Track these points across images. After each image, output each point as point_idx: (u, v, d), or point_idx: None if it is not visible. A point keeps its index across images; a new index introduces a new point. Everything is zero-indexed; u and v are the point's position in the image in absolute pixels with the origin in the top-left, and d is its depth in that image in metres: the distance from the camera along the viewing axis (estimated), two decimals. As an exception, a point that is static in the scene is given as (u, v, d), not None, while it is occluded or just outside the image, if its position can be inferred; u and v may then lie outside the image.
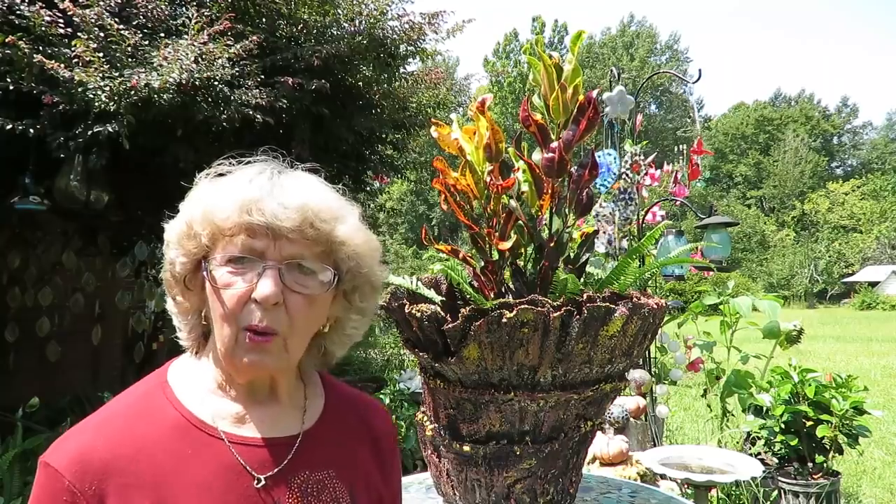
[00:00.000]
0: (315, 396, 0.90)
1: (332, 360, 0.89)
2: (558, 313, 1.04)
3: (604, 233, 3.50)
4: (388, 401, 4.41)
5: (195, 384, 0.81)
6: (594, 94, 1.16)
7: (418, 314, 1.10)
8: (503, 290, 1.23)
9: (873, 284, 35.34)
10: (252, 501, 0.75)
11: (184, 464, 0.74)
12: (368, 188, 5.08)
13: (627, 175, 3.62)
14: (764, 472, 2.94)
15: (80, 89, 2.49)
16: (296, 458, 0.81)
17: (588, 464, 2.76)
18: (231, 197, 0.74)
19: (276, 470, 0.79)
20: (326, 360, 0.89)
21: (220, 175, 0.81)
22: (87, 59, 2.53)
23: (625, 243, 3.39)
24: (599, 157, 3.63)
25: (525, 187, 1.23)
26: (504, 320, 1.02)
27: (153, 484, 0.71)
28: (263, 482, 0.77)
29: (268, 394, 0.83)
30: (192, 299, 0.80)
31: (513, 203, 1.20)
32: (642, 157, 3.65)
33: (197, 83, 2.69)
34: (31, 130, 2.56)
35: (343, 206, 0.82)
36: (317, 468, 0.82)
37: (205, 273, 0.75)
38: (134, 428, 0.74)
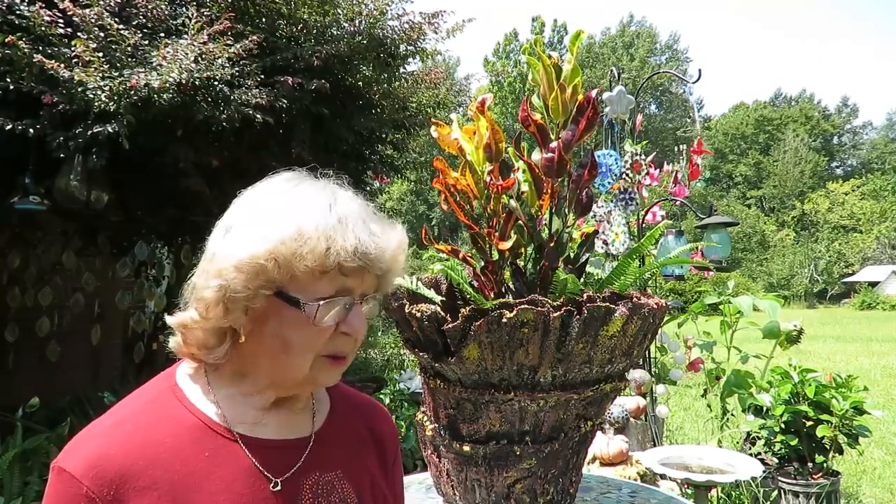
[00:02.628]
0: (321, 398, 0.91)
1: None
2: (558, 313, 1.04)
3: (603, 232, 3.51)
4: (388, 401, 4.41)
5: (209, 388, 0.80)
6: (593, 93, 1.16)
7: (418, 314, 1.10)
8: (503, 290, 1.23)
9: (873, 284, 35.35)
10: (269, 503, 0.77)
11: (201, 467, 0.74)
12: (368, 188, 5.08)
13: (628, 175, 3.62)
14: (764, 472, 2.94)
15: (79, 89, 2.49)
16: (308, 459, 0.82)
17: (588, 464, 2.76)
18: (338, 238, 0.73)
19: (290, 472, 0.80)
20: None
21: (294, 199, 0.77)
22: (87, 59, 2.53)
23: (621, 244, 3.38)
24: (600, 157, 3.63)
25: (525, 187, 1.23)
26: (504, 320, 1.02)
27: (170, 487, 0.71)
28: (280, 486, 0.78)
29: (283, 399, 0.84)
30: (240, 321, 0.76)
31: (513, 203, 1.20)
32: (643, 157, 3.65)
33: (197, 83, 2.69)
34: (31, 130, 2.56)
35: (405, 235, 0.84)
36: (326, 469, 0.84)
37: (297, 307, 0.73)
38: (149, 431, 0.74)
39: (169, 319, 0.80)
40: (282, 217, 0.73)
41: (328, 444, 0.86)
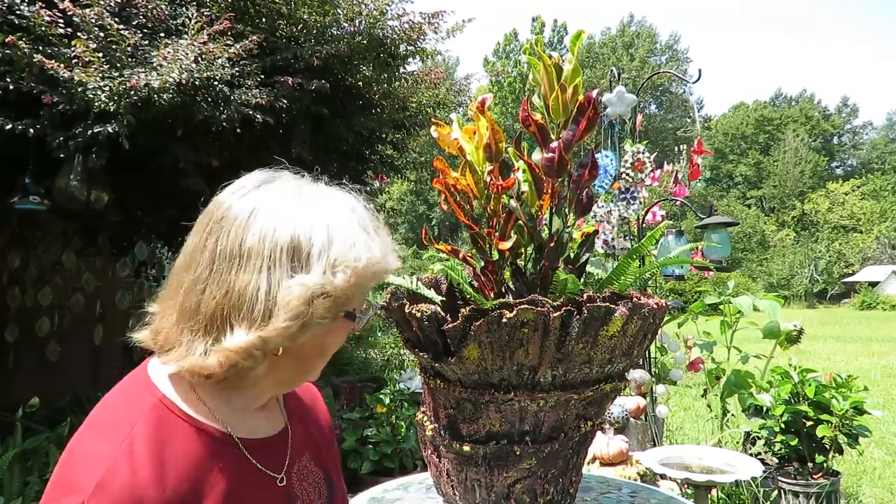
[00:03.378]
0: None
1: None
2: (558, 313, 1.04)
3: (603, 232, 3.51)
4: (388, 401, 4.41)
5: (196, 397, 0.77)
6: (594, 94, 1.16)
7: (418, 314, 1.10)
8: (503, 290, 1.23)
9: (873, 284, 35.36)
10: (277, 499, 0.80)
11: (213, 476, 0.74)
12: (368, 188, 5.08)
13: (629, 174, 3.62)
14: (764, 472, 2.94)
15: (79, 89, 2.49)
16: (291, 450, 0.86)
17: (588, 464, 2.76)
18: (381, 261, 0.77)
19: (285, 465, 0.83)
20: None
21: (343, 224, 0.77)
22: (87, 59, 2.53)
23: (622, 242, 3.38)
24: (599, 157, 3.63)
25: (525, 187, 1.23)
26: (504, 320, 1.02)
27: (192, 501, 0.71)
28: (284, 480, 0.82)
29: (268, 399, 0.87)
30: (300, 342, 0.75)
31: (513, 203, 1.20)
32: (646, 155, 3.65)
33: (197, 83, 2.69)
34: (31, 130, 2.56)
35: None
36: (300, 455, 0.88)
37: (357, 322, 0.80)
38: (162, 455, 0.70)
39: (206, 344, 0.72)
40: (356, 239, 0.75)
41: (296, 431, 0.90)
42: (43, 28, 2.55)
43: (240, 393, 0.79)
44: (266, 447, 0.81)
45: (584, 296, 1.12)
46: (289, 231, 0.72)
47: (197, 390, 0.76)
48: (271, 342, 0.71)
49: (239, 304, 0.71)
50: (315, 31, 3.45)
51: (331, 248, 0.73)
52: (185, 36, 2.82)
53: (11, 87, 2.50)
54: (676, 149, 4.00)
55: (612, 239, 3.38)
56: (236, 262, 0.71)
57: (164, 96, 2.57)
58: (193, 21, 2.86)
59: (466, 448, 1.18)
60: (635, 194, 3.59)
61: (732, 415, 4.08)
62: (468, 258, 1.23)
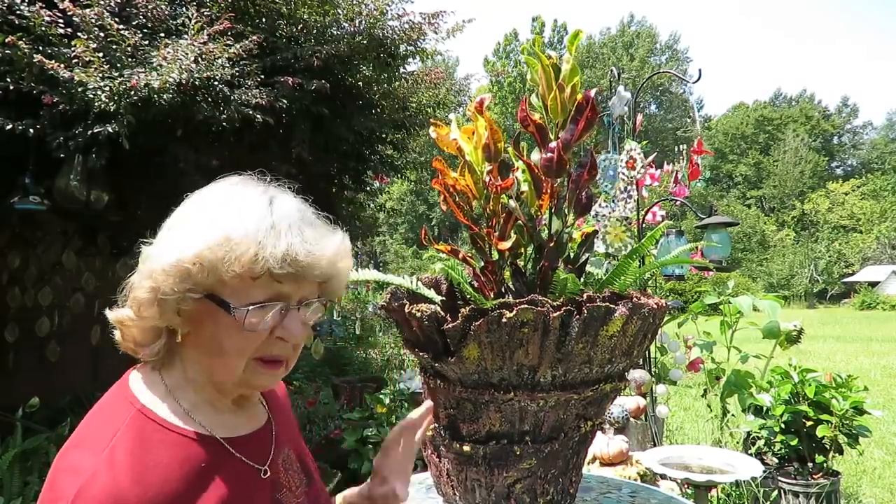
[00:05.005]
0: None
1: None
2: (558, 313, 1.04)
3: (603, 232, 3.51)
4: (388, 401, 4.41)
5: (175, 403, 0.79)
6: (592, 93, 1.16)
7: (418, 314, 1.10)
8: (503, 290, 1.23)
9: (873, 284, 35.35)
10: (265, 492, 0.81)
11: (201, 479, 0.75)
12: (368, 188, 5.08)
13: (624, 173, 3.62)
14: (764, 472, 2.94)
15: (80, 89, 2.49)
16: (276, 442, 0.88)
17: (588, 464, 2.76)
18: (267, 244, 0.73)
19: (269, 458, 0.85)
20: None
21: (222, 202, 0.78)
22: (87, 59, 2.53)
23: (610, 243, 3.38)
24: (606, 160, 3.64)
25: (524, 187, 1.23)
26: (504, 320, 1.02)
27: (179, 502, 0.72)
28: (268, 472, 0.83)
29: (246, 396, 0.88)
30: (174, 321, 0.77)
31: (512, 203, 1.20)
32: (637, 152, 3.65)
33: (197, 83, 2.69)
34: (31, 130, 2.56)
35: (345, 239, 0.84)
36: (282, 446, 0.89)
37: (227, 311, 0.74)
38: (142, 458, 0.71)
39: (108, 314, 0.81)
40: (210, 221, 0.74)
41: (277, 422, 0.91)
42: (43, 28, 2.55)
43: (196, 391, 0.80)
44: (249, 442, 0.83)
45: (584, 296, 1.12)
46: (172, 215, 0.80)
47: (174, 394, 0.79)
48: (137, 311, 0.77)
49: (131, 279, 0.79)
50: (315, 31, 3.45)
51: (185, 225, 0.76)
52: (185, 36, 2.81)
53: (11, 87, 2.50)
54: (676, 149, 4.00)
55: (610, 241, 3.38)
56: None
57: (164, 96, 2.57)
58: (193, 21, 2.86)
59: (466, 448, 1.18)
60: (631, 193, 3.59)
61: (732, 415, 4.08)
62: (468, 258, 1.23)
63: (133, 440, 0.73)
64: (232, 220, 0.74)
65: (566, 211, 1.22)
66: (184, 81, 2.60)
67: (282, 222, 0.75)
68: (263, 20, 3.36)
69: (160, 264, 0.74)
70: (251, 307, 0.74)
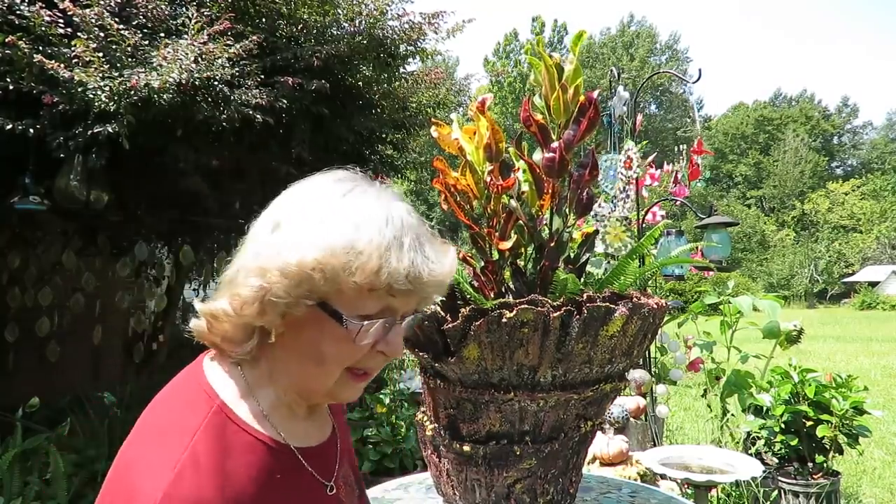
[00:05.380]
0: None
1: None
2: (558, 313, 1.04)
3: (603, 232, 3.50)
4: (388, 401, 4.41)
5: (255, 403, 0.75)
6: (594, 94, 1.16)
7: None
8: (503, 290, 1.23)
9: (873, 284, 35.36)
10: None
11: (275, 490, 0.72)
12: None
13: (623, 173, 3.62)
14: (764, 472, 2.94)
15: (80, 89, 2.48)
16: (338, 456, 0.85)
17: (588, 464, 2.76)
18: (391, 259, 0.69)
19: (335, 473, 0.82)
20: None
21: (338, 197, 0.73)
22: (87, 59, 2.53)
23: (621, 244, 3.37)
24: (608, 160, 3.65)
25: (525, 187, 1.23)
26: (504, 320, 1.02)
27: None
28: (333, 488, 0.80)
29: (318, 406, 0.85)
30: (274, 323, 0.72)
31: (513, 203, 1.20)
32: (634, 152, 3.65)
33: (197, 83, 2.68)
34: (31, 130, 2.56)
35: (456, 257, 0.82)
36: (343, 460, 0.86)
37: (338, 321, 0.70)
38: (224, 468, 0.68)
39: (198, 305, 0.76)
40: (336, 225, 0.69)
41: (340, 435, 0.88)
42: (43, 28, 2.55)
43: (277, 393, 0.77)
44: (318, 455, 0.80)
45: (584, 296, 1.12)
46: (283, 208, 0.74)
47: (254, 393, 0.75)
48: (238, 310, 0.71)
49: (230, 271, 0.74)
50: (315, 31, 3.45)
51: (305, 225, 0.70)
52: (185, 36, 2.81)
53: (11, 87, 2.50)
54: (676, 149, 4.00)
55: (610, 242, 3.37)
56: (248, 236, 0.75)
57: (164, 96, 2.57)
58: (193, 21, 2.86)
59: (466, 448, 1.18)
60: (629, 192, 3.59)
61: (732, 415, 4.08)
62: (468, 258, 1.23)
63: (214, 440, 0.69)
64: (358, 226, 0.69)
65: (567, 211, 1.22)
66: (184, 81, 2.59)
67: (404, 236, 0.71)
68: (263, 20, 3.36)
69: (276, 264, 0.68)
70: (365, 322, 0.70)
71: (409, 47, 3.85)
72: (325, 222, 0.69)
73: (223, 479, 0.67)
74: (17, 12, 2.52)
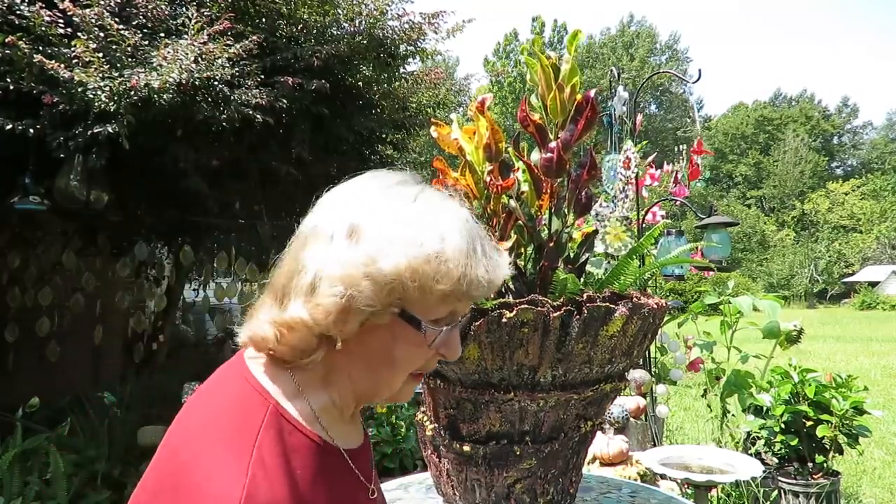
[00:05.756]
0: None
1: None
2: (558, 313, 1.04)
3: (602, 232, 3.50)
4: (388, 401, 4.40)
5: (305, 404, 0.74)
6: (592, 93, 1.16)
7: (418, 314, 1.10)
8: (503, 290, 1.23)
9: (873, 284, 35.36)
10: None
11: (331, 489, 0.73)
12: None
13: (621, 173, 3.62)
14: (764, 472, 2.94)
15: (80, 89, 2.49)
16: (373, 458, 0.86)
17: (588, 464, 2.76)
18: (470, 265, 0.69)
19: (372, 475, 0.82)
20: None
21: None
22: (87, 59, 2.53)
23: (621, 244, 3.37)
24: (610, 160, 3.65)
25: (525, 187, 1.23)
26: (504, 320, 1.02)
27: None
28: (375, 492, 0.81)
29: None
30: (351, 331, 0.71)
31: (512, 203, 1.20)
32: (633, 152, 3.65)
33: (197, 83, 2.69)
34: (31, 130, 2.56)
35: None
36: (373, 464, 0.87)
37: (424, 332, 0.71)
38: (286, 469, 0.68)
39: (266, 314, 0.73)
40: (423, 232, 0.68)
41: (369, 440, 0.88)
42: (43, 28, 2.55)
43: (330, 396, 0.76)
44: (359, 458, 0.80)
45: (584, 296, 1.12)
46: (356, 211, 0.71)
47: (305, 394, 0.74)
48: (318, 320, 0.68)
49: (297, 275, 0.70)
50: (315, 31, 3.45)
51: (392, 232, 0.69)
52: (185, 36, 2.82)
53: (11, 87, 2.50)
54: (676, 149, 4.00)
55: (610, 242, 3.37)
56: (307, 240, 0.72)
57: (164, 96, 2.57)
58: (193, 21, 2.86)
59: (466, 448, 1.18)
60: (628, 192, 3.60)
61: (732, 415, 4.08)
62: (468, 258, 1.23)
63: (275, 441, 0.68)
64: (442, 234, 0.69)
65: (566, 211, 1.22)
66: (184, 81, 2.60)
67: (476, 242, 0.72)
68: (263, 20, 3.36)
69: (366, 272, 0.67)
70: (444, 327, 0.72)
71: (409, 47, 3.85)
72: (410, 229, 0.69)
73: (290, 479, 0.66)
74: (17, 12, 2.53)
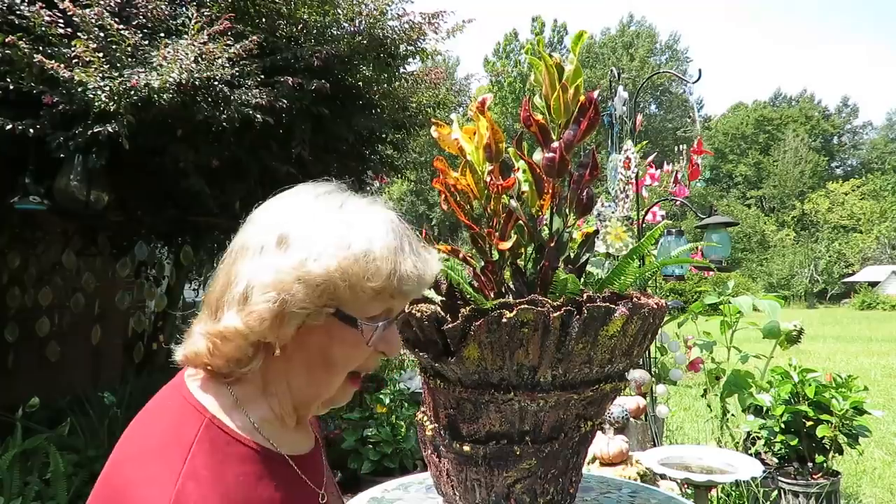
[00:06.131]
0: None
1: None
2: (558, 313, 1.04)
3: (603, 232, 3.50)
4: (388, 401, 4.41)
5: (243, 415, 0.75)
6: (595, 94, 1.16)
7: (418, 314, 1.10)
8: (503, 290, 1.23)
9: (873, 284, 35.39)
10: None
11: (270, 495, 0.73)
12: (368, 188, 5.09)
13: (622, 173, 3.62)
14: (764, 472, 2.94)
15: (80, 89, 2.49)
16: (325, 463, 0.87)
17: (588, 464, 2.76)
18: (399, 262, 0.72)
19: (324, 480, 0.83)
20: None
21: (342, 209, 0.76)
22: (87, 59, 2.53)
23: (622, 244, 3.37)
24: (612, 161, 3.65)
25: (525, 187, 1.23)
26: (504, 320, 1.02)
27: None
28: (325, 497, 0.81)
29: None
30: (285, 336, 0.72)
31: (513, 203, 1.20)
32: (633, 152, 3.65)
33: (197, 83, 2.69)
34: (31, 130, 2.56)
35: None
36: (326, 468, 0.88)
37: (361, 329, 0.73)
38: (220, 479, 0.68)
39: (201, 328, 0.75)
40: (352, 232, 0.71)
41: (320, 446, 0.90)
42: (43, 28, 2.55)
43: (269, 405, 0.77)
44: (308, 464, 0.81)
45: (584, 296, 1.12)
46: (284, 221, 0.73)
47: (244, 407, 0.75)
48: (253, 327, 0.70)
49: (230, 288, 0.72)
50: (315, 31, 3.45)
51: (319, 236, 0.71)
52: (185, 36, 2.81)
53: (11, 87, 2.50)
54: (676, 149, 4.00)
55: (610, 242, 3.37)
56: (237, 255, 0.74)
57: (164, 96, 2.57)
58: (193, 21, 2.86)
59: (466, 448, 1.18)
60: (628, 192, 3.60)
61: (732, 415, 4.08)
62: (468, 258, 1.23)
63: (210, 453, 0.69)
64: (371, 232, 0.72)
65: (567, 211, 1.22)
66: (184, 81, 2.60)
67: (403, 241, 0.75)
68: (263, 20, 3.36)
69: (297, 276, 0.69)
70: (378, 323, 0.74)
71: (409, 47, 3.85)
72: (338, 232, 0.71)
73: (224, 489, 0.67)
74: (17, 12, 2.52)
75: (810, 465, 3.42)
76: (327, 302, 0.71)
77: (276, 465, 0.75)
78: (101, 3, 2.68)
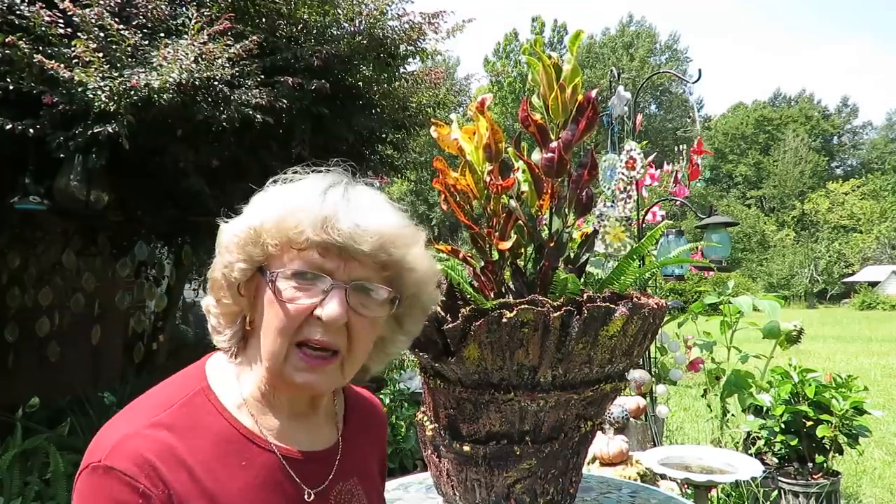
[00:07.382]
0: (340, 403, 0.93)
1: (368, 375, 0.90)
2: (558, 313, 1.03)
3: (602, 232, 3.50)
4: (388, 401, 4.41)
5: (237, 391, 0.78)
6: (593, 93, 1.16)
7: (418, 314, 1.10)
8: (503, 290, 1.23)
9: (873, 284, 35.38)
10: None
11: (237, 475, 0.73)
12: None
13: (623, 173, 3.62)
14: (764, 472, 2.94)
15: (80, 89, 2.49)
16: (337, 470, 0.83)
17: (588, 464, 2.76)
18: (307, 210, 0.71)
19: (323, 484, 0.81)
20: (363, 375, 0.88)
21: (289, 181, 0.79)
22: (87, 59, 2.53)
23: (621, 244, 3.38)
24: (607, 160, 3.65)
25: (525, 187, 1.23)
26: (504, 320, 1.02)
27: (210, 495, 0.70)
28: (313, 496, 0.79)
29: (307, 406, 0.83)
30: (241, 303, 0.78)
31: (513, 203, 1.20)
32: (636, 153, 3.65)
33: (197, 83, 2.69)
34: (31, 130, 2.56)
35: (415, 231, 0.80)
36: (346, 477, 0.85)
37: (269, 283, 0.73)
38: (187, 441, 0.71)
39: (202, 303, 0.83)
40: (270, 198, 0.76)
41: (347, 451, 0.87)
42: (43, 28, 2.55)
43: (257, 380, 0.79)
44: (307, 462, 0.80)
45: (584, 296, 1.12)
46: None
47: (239, 378, 0.80)
48: (217, 294, 0.78)
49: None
50: (315, 31, 3.45)
51: (257, 201, 0.77)
52: (185, 36, 2.82)
53: (11, 87, 2.50)
54: (676, 149, 4.00)
55: (610, 242, 3.37)
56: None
57: (164, 96, 2.57)
58: (193, 21, 2.86)
59: (466, 448, 1.18)
60: (630, 193, 3.60)
61: (732, 415, 4.08)
62: (468, 258, 1.23)
63: (188, 416, 0.74)
64: (290, 195, 0.75)
65: (566, 211, 1.22)
66: (184, 81, 2.60)
67: (335, 193, 0.74)
68: (263, 20, 3.36)
69: (223, 241, 0.77)
70: (286, 275, 0.73)
71: (409, 47, 3.85)
72: (270, 196, 0.76)
73: (178, 455, 0.70)
74: (17, 12, 2.52)
75: (810, 465, 3.42)
76: (245, 258, 0.74)
77: (255, 449, 0.75)
78: (101, 3, 2.68)
